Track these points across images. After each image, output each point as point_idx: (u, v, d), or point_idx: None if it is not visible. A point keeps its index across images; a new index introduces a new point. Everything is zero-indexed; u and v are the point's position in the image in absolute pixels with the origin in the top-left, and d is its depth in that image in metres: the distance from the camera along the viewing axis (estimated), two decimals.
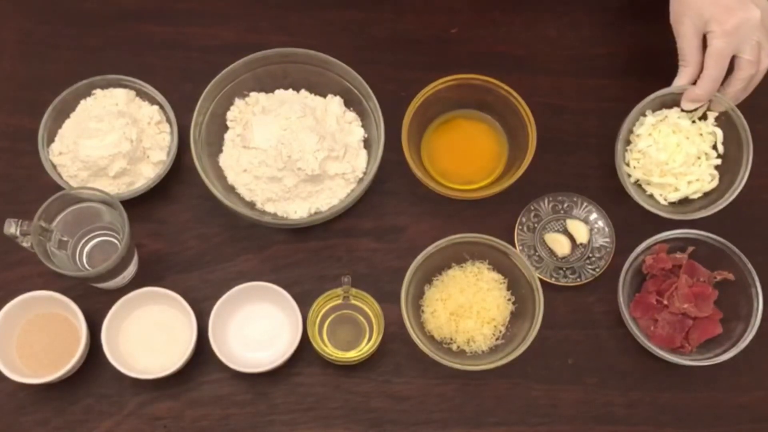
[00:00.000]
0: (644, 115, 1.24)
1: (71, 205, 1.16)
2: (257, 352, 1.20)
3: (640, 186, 1.24)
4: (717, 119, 1.23)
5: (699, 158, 1.23)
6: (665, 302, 1.20)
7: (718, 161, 1.24)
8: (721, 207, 1.20)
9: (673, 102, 1.24)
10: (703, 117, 1.24)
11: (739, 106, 1.22)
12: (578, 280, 1.23)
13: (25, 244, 1.13)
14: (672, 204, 1.23)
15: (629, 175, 1.23)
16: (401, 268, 1.17)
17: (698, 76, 1.19)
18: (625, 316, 1.18)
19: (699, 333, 1.19)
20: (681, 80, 1.20)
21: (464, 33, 1.34)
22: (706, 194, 1.23)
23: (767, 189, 1.29)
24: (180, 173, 1.26)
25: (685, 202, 1.24)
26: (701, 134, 1.24)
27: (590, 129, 1.29)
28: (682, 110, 1.23)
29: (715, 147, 1.24)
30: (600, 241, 1.25)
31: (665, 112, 1.24)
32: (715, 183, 1.23)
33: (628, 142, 1.25)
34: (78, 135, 1.21)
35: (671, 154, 1.22)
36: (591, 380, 1.21)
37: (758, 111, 1.29)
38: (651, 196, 1.23)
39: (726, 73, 1.18)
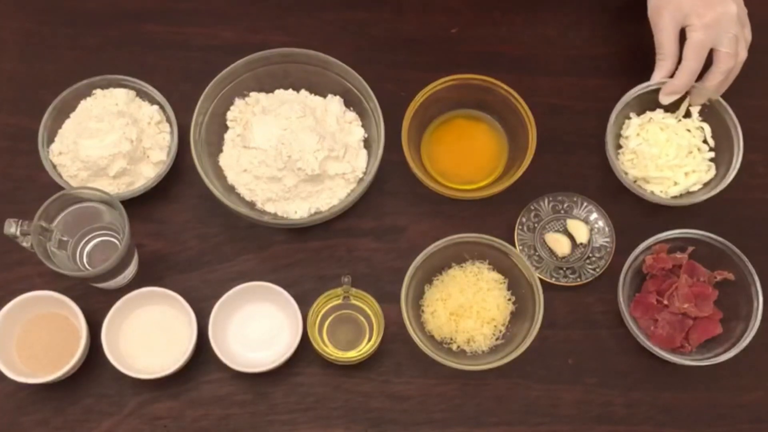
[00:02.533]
0: (629, 117, 1.26)
1: (71, 205, 1.16)
2: (257, 352, 1.20)
3: (640, 187, 1.24)
4: (701, 113, 1.25)
5: (691, 152, 1.24)
6: (665, 302, 1.20)
7: (712, 154, 1.26)
8: (724, 186, 1.21)
9: (655, 104, 1.26)
10: (687, 114, 1.26)
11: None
12: (578, 280, 1.23)
13: (25, 244, 1.13)
14: (674, 198, 1.24)
15: (626, 173, 1.24)
16: (401, 268, 1.18)
17: (675, 70, 1.22)
18: (625, 315, 1.18)
19: (699, 333, 1.19)
20: (659, 73, 1.23)
21: (464, 33, 1.34)
22: (705, 185, 1.25)
23: (765, 189, 1.29)
24: (180, 173, 1.26)
25: (686, 196, 1.24)
26: (689, 130, 1.25)
27: (590, 129, 1.29)
28: (661, 106, 1.26)
29: (705, 142, 1.26)
30: (600, 241, 1.25)
31: (649, 114, 1.26)
32: (712, 173, 1.24)
33: (619, 146, 1.26)
34: (78, 135, 1.21)
35: (663, 148, 1.24)
36: (591, 380, 1.21)
37: (755, 111, 1.30)
38: (652, 193, 1.24)
39: (703, 69, 1.21)
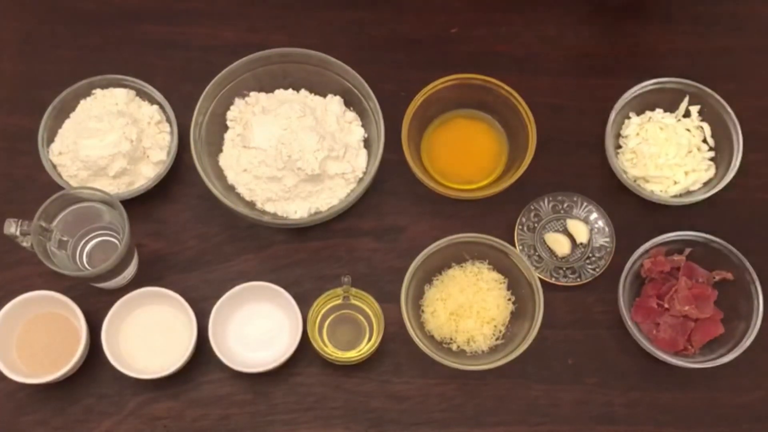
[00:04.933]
0: (628, 117, 1.26)
1: (71, 205, 1.16)
2: (257, 352, 1.20)
3: (640, 186, 1.24)
4: (701, 113, 1.26)
5: (690, 151, 1.25)
6: (666, 305, 1.19)
7: (711, 153, 1.26)
8: (724, 185, 1.22)
9: (655, 103, 1.26)
10: (687, 114, 1.26)
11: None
12: (578, 280, 1.23)
13: (25, 244, 1.13)
14: (674, 197, 1.24)
15: (626, 173, 1.24)
16: (401, 268, 1.17)
17: None
18: (627, 321, 1.18)
19: (701, 334, 1.19)
20: None
21: (464, 33, 1.34)
22: (705, 184, 1.25)
23: (765, 189, 1.29)
24: (180, 173, 1.26)
25: (686, 195, 1.24)
26: (688, 129, 1.26)
27: (590, 129, 1.29)
28: (661, 105, 1.26)
29: (705, 142, 1.27)
30: (600, 240, 1.25)
31: (649, 113, 1.27)
32: (711, 172, 1.24)
33: (619, 146, 1.26)
34: (78, 135, 1.21)
35: (662, 148, 1.24)
36: (591, 380, 1.21)
37: (755, 111, 1.29)
38: (652, 192, 1.24)
39: None
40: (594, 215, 1.25)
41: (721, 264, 1.20)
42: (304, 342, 1.17)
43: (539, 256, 1.24)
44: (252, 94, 1.26)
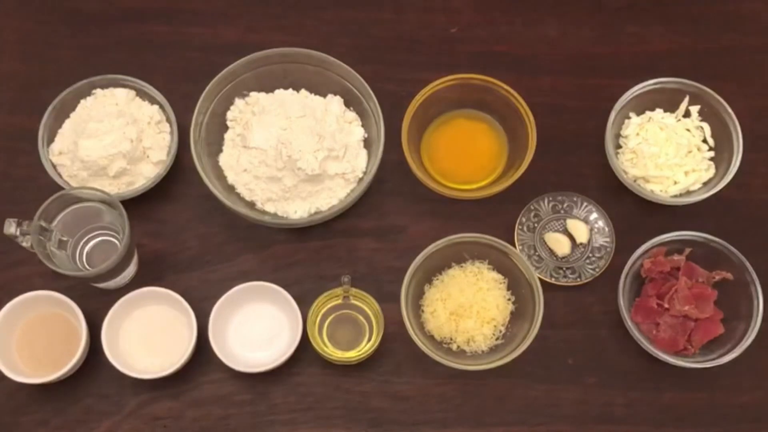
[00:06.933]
0: (628, 117, 1.26)
1: (71, 205, 1.16)
2: (257, 352, 1.20)
3: (640, 186, 1.24)
4: (701, 113, 1.26)
5: (690, 151, 1.25)
6: (666, 305, 1.19)
7: (711, 153, 1.26)
8: (724, 185, 1.21)
9: (655, 103, 1.26)
10: (687, 114, 1.26)
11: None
12: (578, 279, 1.23)
13: (25, 244, 1.13)
14: (674, 197, 1.24)
15: (626, 172, 1.24)
16: (401, 268, 1.17)
17: None
18: (627, 321, 1.18)
19: (701, 334, 1.19)
20: None
21: (464, 33, 1.34)
22: (705, 184, 1.25)
23: (765, 189, 1.29)
24: (180, 173, 1.26)
25: (686, 195, 1.24)
26: (688, 129, 1.26)
27: (590, 129, 1.29)
28: (661, 105, 1.26)
29: (705, 141, 1.27)
30: (600, 240, 1.25)
31: (649, 113, 1.27)
32: (711, 172, 1.25)
33: (619, 146, 1.26)
34: (78, 135, 1.21)
35: (662, 147, 1.24)
36: (591, 380, 1.21)
37: (755, 111, 1.29)
38: (652, 192, 1.24)
39: None
40: (594, 215, 1.25)
41: (721, 264, 1.21)
42: (304, 342, 1.17)
43: (539, 256, 1.25)
44: (252, 94, 1.26)
